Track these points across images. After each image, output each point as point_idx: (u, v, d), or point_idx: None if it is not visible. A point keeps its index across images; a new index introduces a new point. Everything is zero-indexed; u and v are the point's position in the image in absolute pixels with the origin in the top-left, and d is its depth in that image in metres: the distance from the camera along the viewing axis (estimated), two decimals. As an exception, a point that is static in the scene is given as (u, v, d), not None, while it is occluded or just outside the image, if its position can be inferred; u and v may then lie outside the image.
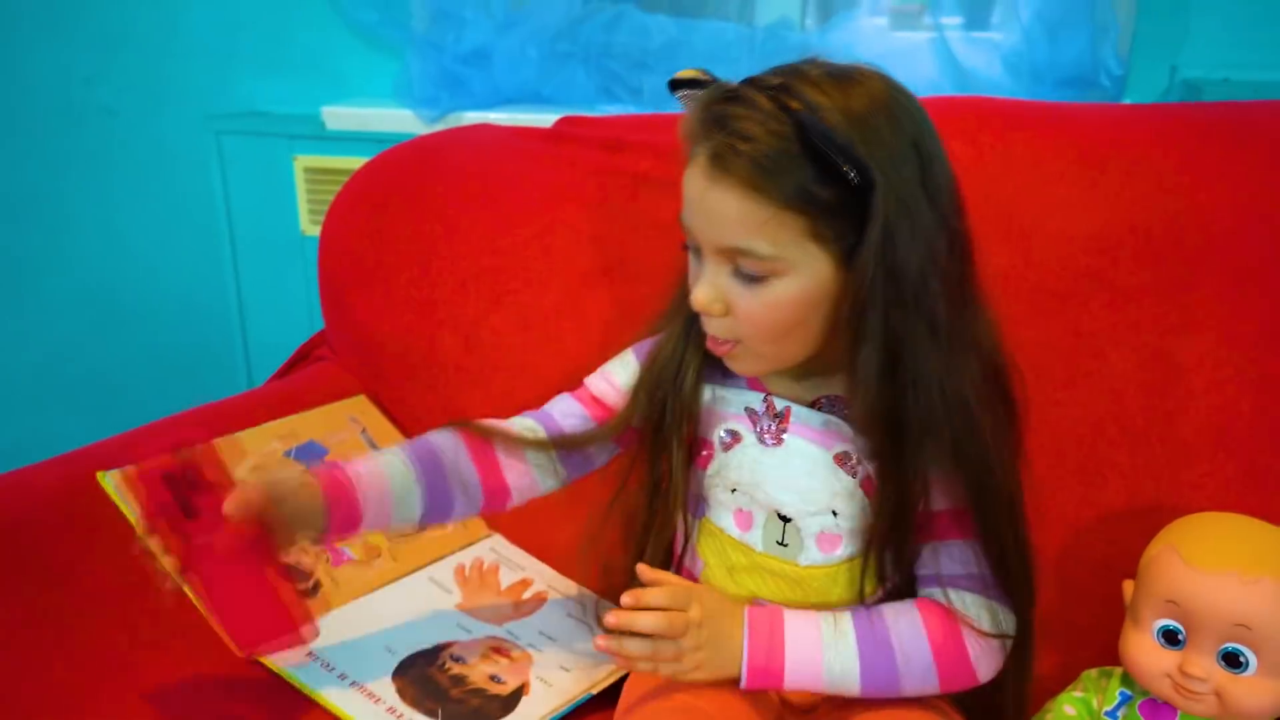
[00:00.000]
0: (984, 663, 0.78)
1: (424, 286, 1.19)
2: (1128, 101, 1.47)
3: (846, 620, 0.77)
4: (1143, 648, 0.76)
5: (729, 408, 0.84)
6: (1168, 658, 0.75)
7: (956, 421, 0.73)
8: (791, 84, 0.70)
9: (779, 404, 0.81)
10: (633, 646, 0.73)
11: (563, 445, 0.87)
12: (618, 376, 0.90)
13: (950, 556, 0.78)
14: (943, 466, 0.74)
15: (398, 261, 1.21)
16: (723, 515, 0.84)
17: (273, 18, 1.84)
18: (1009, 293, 0.92)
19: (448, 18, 1.71)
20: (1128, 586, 0.81)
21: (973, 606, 0.77)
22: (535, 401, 1.11)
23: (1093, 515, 0.89)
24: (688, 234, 0.77)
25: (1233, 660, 0.72)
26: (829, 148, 0.67)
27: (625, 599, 0.73)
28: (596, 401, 0.90)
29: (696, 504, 0.86)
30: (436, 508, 0.84)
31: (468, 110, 1.68)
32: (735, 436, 0.83)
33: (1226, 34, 1.43)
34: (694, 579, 0.86)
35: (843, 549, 0.80)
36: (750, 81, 0.73)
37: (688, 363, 0.84)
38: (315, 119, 1.77)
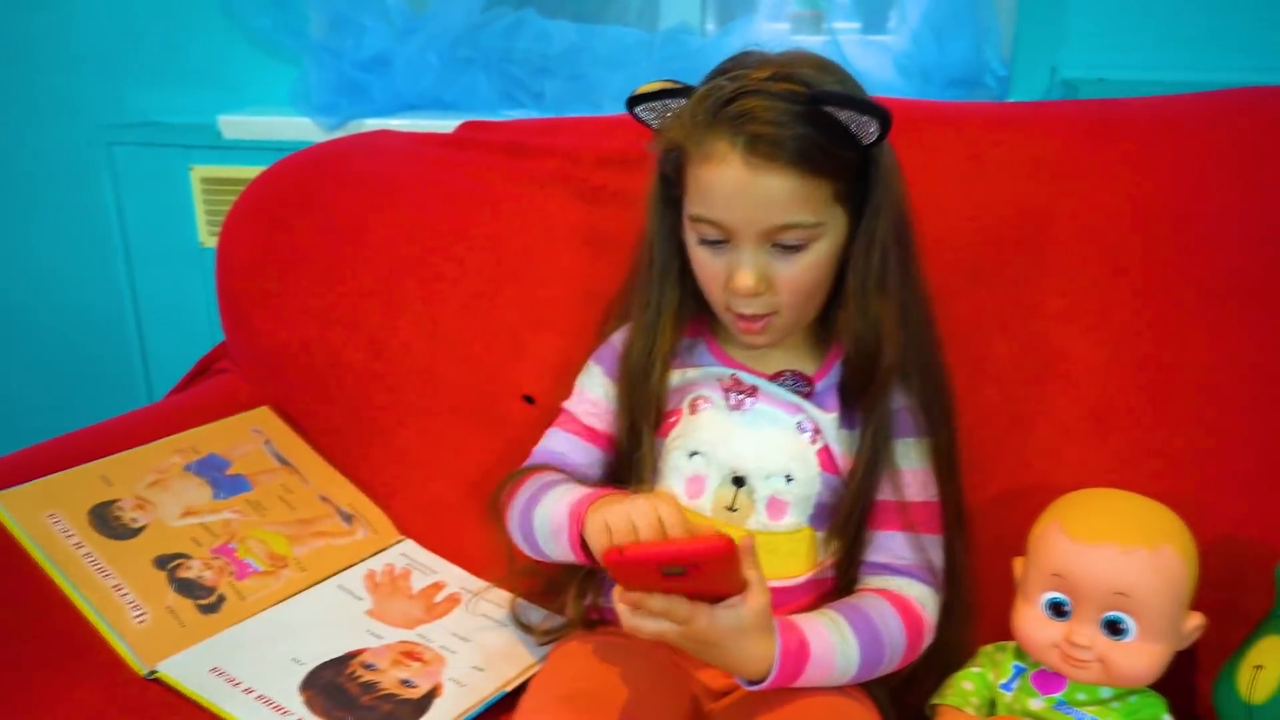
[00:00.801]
0: (923, 648, 0.84)
1: (326, 296, 1.17)
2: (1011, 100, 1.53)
3: (846, 627, 0.79)
4: (1032, 620, 0.80)
5: (698, 382, 0.88)
6: (1055, 629, 0.78)
7: (928, 365, 0.85)
8: (780, 70, 0.78)
9: (747, 379, 0.87)
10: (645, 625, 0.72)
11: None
12: (592, 392, 0.93)
13: (914, 545, 0.83)
14: (912, 420, 0.85)
15: (298, 271, 1.19)
16: (674, 481, 0.87)
17: (165, 24, 1.79)
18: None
19: (346, 24, 1.69)
20: (1018, 564, 0.84)
21: (929, 599, 0.83)
22: (444, 410, 1.11)
23: (983, 498, 0.92)
24: (717, 227, 0.80)
25: (1114, 628, 0.76)
26: (851, 106, 0.74)
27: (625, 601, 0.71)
28: (592, 432, 0.92)
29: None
30: None
31: (368, 117, 1.67)
32: (705, 400, 0.87)
33: (1102, 37, 1.50)
34: None
35: (789, 517, 0.84)
36: (735, 78, 0.78)
37: (656, 355, 0.87)
38: (211, 128, 1.73)
